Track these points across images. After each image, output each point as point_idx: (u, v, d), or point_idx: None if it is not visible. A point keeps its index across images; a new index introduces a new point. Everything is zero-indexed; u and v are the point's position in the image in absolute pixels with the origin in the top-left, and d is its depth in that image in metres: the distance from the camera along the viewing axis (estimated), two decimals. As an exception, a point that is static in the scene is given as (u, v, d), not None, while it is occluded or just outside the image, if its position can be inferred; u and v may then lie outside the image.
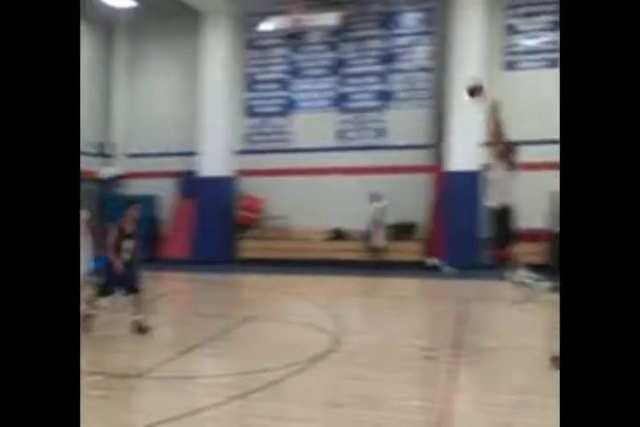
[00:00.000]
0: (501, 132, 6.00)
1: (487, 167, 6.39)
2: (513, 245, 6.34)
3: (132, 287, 7.38)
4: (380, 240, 13.79)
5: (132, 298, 7.41)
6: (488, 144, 6.26)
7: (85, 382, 4.08)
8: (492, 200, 6.23)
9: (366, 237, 13.92)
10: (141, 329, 7.35)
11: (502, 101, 6.14)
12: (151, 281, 13.07)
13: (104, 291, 7.39)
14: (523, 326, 7.44)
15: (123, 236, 7.32)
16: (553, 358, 5.56)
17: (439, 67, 14.32)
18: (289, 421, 4.63)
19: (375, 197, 13.85)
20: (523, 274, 6.32)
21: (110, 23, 17.54)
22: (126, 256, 7.32)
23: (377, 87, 15.68)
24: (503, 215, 6.14)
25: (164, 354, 6.50)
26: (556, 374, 5.33)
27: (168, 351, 6.64)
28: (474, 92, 6.28)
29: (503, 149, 6.06)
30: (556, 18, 14.43)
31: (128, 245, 7.36)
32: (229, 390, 5.40)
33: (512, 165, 6.09)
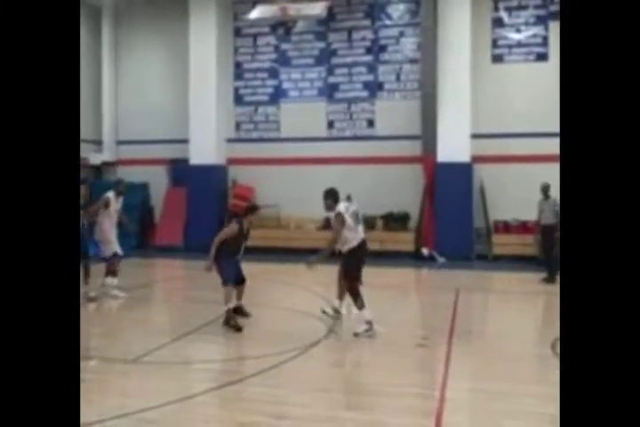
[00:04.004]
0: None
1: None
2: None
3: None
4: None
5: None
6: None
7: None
8: None
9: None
10: (245, 314, 7.54)
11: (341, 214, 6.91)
12: (144, 268, 13.10)
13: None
14: (516, 316, 7.47)
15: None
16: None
17: (427, 58, 14.29)
18: (283, 405, 4.70)
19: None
20: None
21: (97, 9, 17.33)
22: None
23: (366, 78, 15.66)
24: None
25: (158, 339, 6.53)
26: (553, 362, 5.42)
27: (163, 337, 6.67)
28: None
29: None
30: (541, 12, 14.50)
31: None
32: (224, 376, 5.44)
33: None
